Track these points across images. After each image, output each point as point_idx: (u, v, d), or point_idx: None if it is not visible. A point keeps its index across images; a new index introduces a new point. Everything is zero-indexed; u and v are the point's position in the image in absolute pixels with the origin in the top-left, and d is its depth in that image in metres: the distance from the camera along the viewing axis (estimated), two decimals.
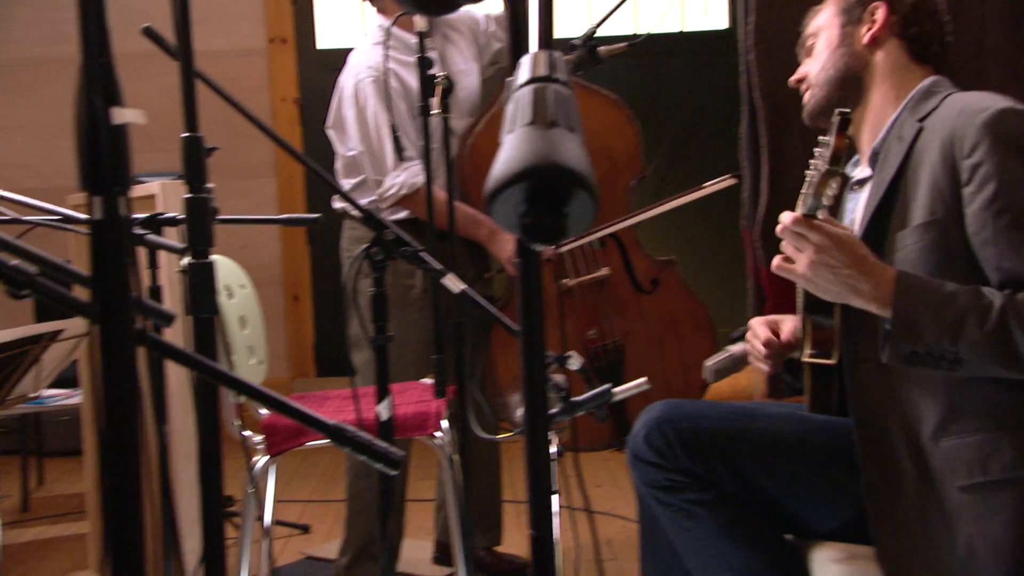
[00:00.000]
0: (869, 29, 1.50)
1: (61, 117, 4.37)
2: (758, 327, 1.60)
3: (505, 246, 2.42)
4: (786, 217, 1.30)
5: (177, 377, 1.92)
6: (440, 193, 2.36)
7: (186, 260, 1.90)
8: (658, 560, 1.56)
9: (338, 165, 2.53)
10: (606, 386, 1.40)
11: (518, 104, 0.66)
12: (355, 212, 2.48)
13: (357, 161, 2.41)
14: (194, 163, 1.37)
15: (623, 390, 1.43)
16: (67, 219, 1.77)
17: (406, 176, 2.35)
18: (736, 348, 1.76)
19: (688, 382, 2.55)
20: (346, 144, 2.43)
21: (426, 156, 1.83)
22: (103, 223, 0.81)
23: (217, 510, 1.27)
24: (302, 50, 4.53)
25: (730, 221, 2.86)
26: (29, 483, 3.32)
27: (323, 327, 4.56)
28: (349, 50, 2.51)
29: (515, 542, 2.70)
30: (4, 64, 4.34)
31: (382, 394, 1.54)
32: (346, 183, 2.53)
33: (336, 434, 0.97)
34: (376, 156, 2.37)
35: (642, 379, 1.47)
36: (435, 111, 1.82)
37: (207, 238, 1.37)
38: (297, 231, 4.53)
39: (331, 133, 2.49)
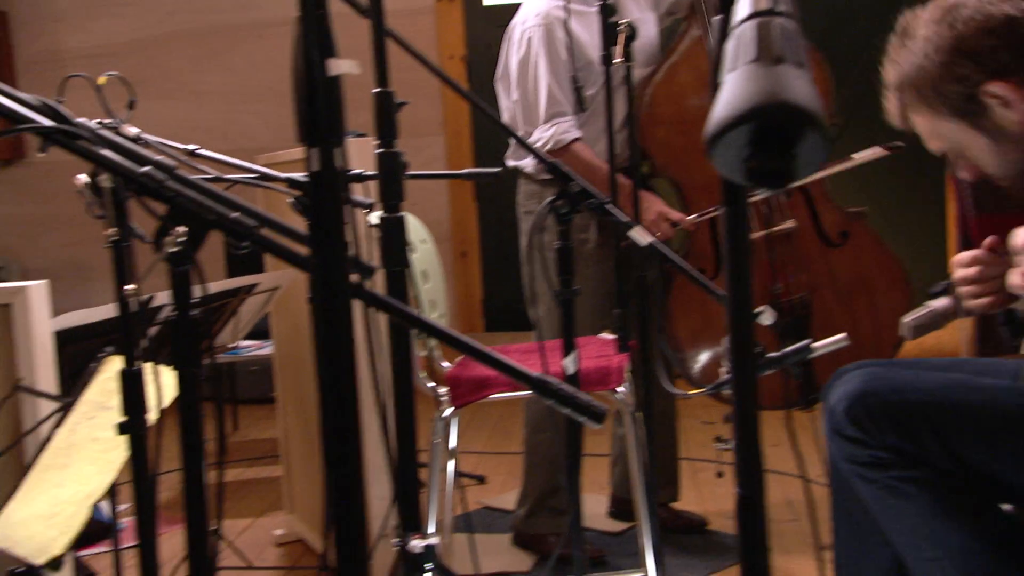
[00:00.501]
0: (1006, 107, 1.26)
1: (246, 82, 4.59)
2: (964, 256, 1.48)
3: (645, 213, 2.36)
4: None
5: (362, 329, 1.99)
6: (585, 151, 2.32)
7: (376, 215, 1.96)
8: (854, 530, 1.49)
9: (505, 119, 2.54)
10: (805, 342, 1.34)
11: (740, 41, 0.63)
12: (528, 168, 2.48)
13: (513, 111, 2.40)
14: (386, 118, 1.39)
15: (822, 345, 1.37)
16: (264, 177, 1.85)
17: (554, 131, 2.32)
18: (938, 303, 1.64)
19: (880, 341, 2.42)
20: (510, 95, 2.44)
21: (608, 107, 1.79)
22: (320, 174, 0.84)
23: (411, 457, 1.31)
24: (469, 7, 4.56)
25: (928, 167, 2.67)
26: (225, 428, 3.58)
27: (491, 283, 4.64)
28: (516, 6, 2.49)
29: (690, 499, 2.67)
30: (192, 32, 4.60)
31: (568, 348, 1.54)
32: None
33: (540, 386, 0.98)
34: (529, 106, 2.35)
35: (841, 335, 1.40)
36: (618, 59, 1.78)
37: (398, 193, 1.40)
38: (465, 189, 4.61)
39: (498, 86, 2.49)
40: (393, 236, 1.36)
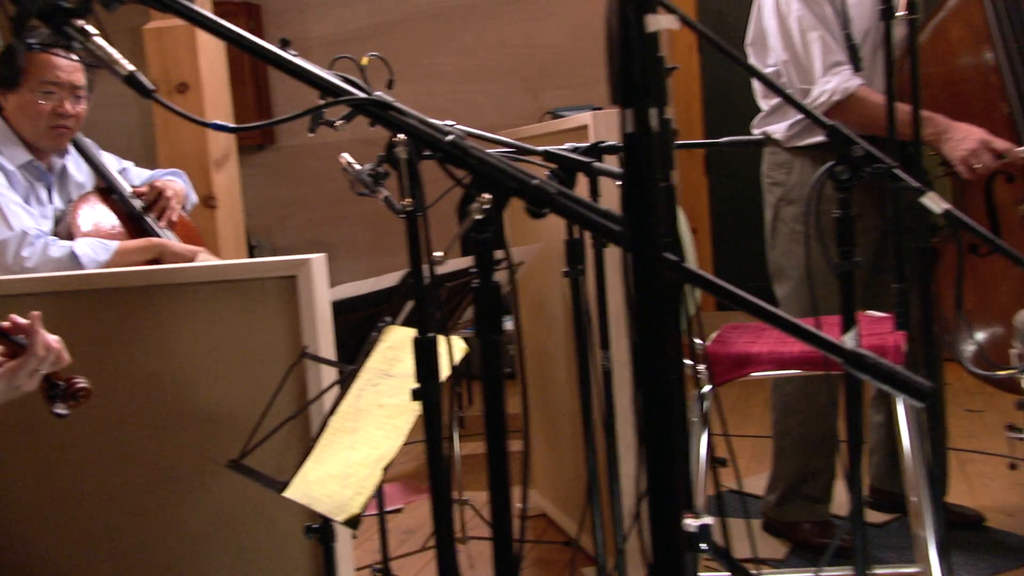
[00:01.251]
0: None
1: (475, 62, 4.71)
2: None
3: (960, 144, 2.15)
4: None
5: (615, 303, 1.98)
6: (874, 94, 2.17)
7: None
8: None
9: (755, 85, 2.44)
10: None
11: None
12: (778, 135, 2.37)
13: (780, 73, 2.29)
14: (659, 85, 1.35)
15: None
16: (522, 151, 1.86)
17: (837, 81, 2.19)
18: None
19: None
20: (766, 59, 2.33)
21: (888, 62, 1.67)
22: (635, 136, 0.82)
23: (683, 432, 1.28)
24: None
25: None
26: (463, 402, 3.71)
27: (722, 260, 4.52)
28: None
29: (960, 493, 2.48)
30: (426, 14, 4.77)
31: (847, 324, 1.45)
32: (764, 104, 2.43)
33: (855, 360, 0.91)
34: (801, 62, 2.24)
35: None
36: (901, 12, 1.65)
37: (670, 162, 1.36)
38: (695, 162, 4.50)
39: (750, 51, 2.40)
40: (665, 208, 1.32)
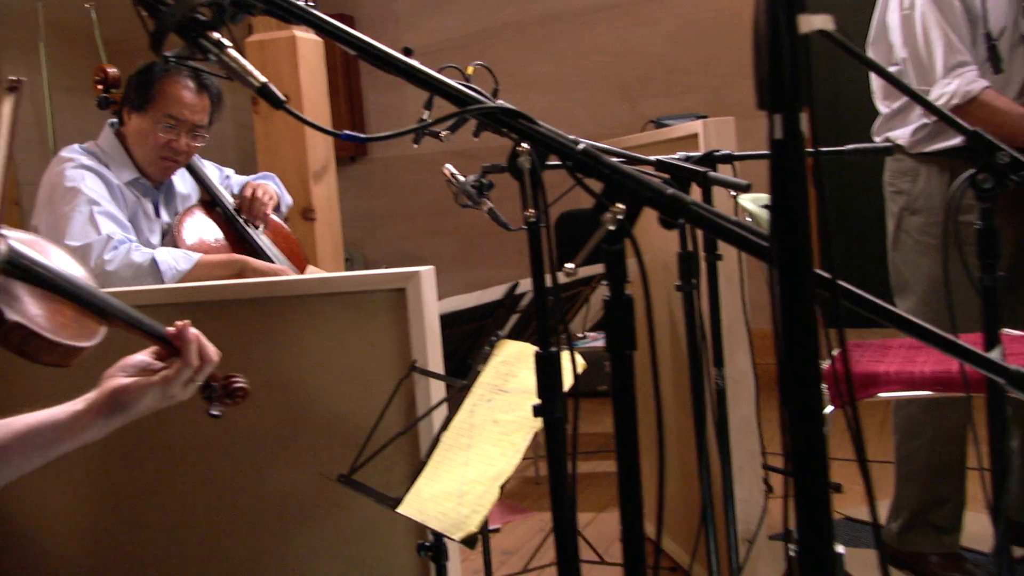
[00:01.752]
0: None
1: (570, 70, 4.72)
2: None
3: None
4: None
5: (729, 319, 1.95)
6: (1000, 97, 2.09)
7: (749, 198, 1.90)
8: None
9: (875, 86, 2.37)
10: None
11: None
12: (901, 141, 2.30)
13: (902, 73, 2.23)
14: (774, 87, 1.32)
15: None
16: (632, 161, 1.86)
17: (959, 84, 2.11)
18: None
19: None
20: (888, 58, 2.27)
21: None
22: (783, 143, 0.80)
23: (822, 458, 1.24)
24: None
25: None
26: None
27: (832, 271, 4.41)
28: None
29: None
30: (520, 23, 4.80)
31: (991, 343, 1.40)
32: (883, 107, 2.36)
33: (1018, 380, 0.88)
34: (922, 62, 2.16)
35: None
36: None
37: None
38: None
39: (871, 50, 2.34)
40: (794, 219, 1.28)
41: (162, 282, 2.16)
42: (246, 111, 5.50)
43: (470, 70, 2.08)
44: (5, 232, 1.16)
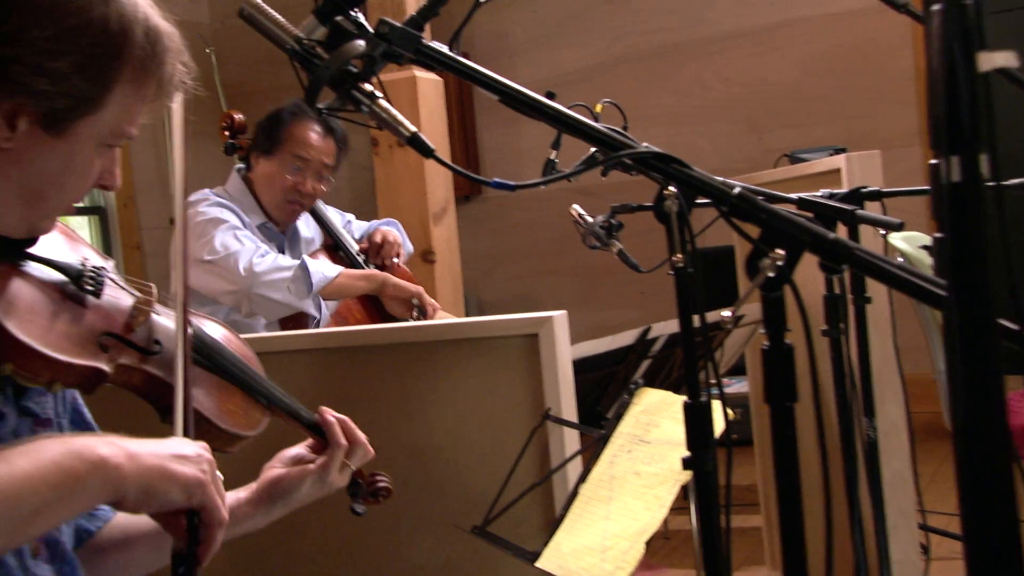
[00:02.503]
0: None
1: (693, 102, 4.72)
2: None
3: None
4: None
5: (880, 366, 1.90)
6: None
7: (899, 236, 1.86)
8: None
9: None
10: None
11: None
12: None
13: None
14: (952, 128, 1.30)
15: None
16: (772, 198, 1.85)
17: None
18: None
19: None
20: None
21: None
22: (961, 186, 0.79)
23: (1011, 531, 1.20)
24: None
25: None
26: None
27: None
28: None
29: None
30: (639, 54, 4.83)
31: None
32: None
33: None
34: None
35: None
36: None
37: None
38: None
39: None
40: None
41: (309, 288, 2.25)
42: (360, 153, 5.68)
43: (599, 108, 2.12)
44: (193, 319, 1.25)
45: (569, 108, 2.00)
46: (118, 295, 1.19)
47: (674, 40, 4.75)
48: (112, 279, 1.19)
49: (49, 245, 1.14)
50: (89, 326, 1.12)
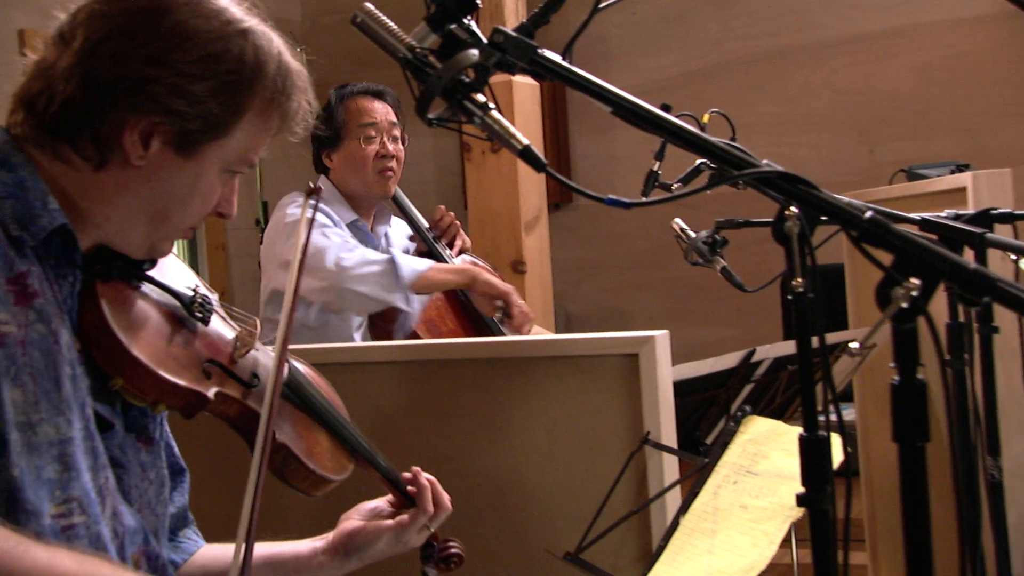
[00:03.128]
0: None
1: (799, 111, 4.64)
2: None
3: None
4: None
5: (1006, 400, 1.84)
6: None
7: None
8: None
9: None
10: None
11: None
12: None
13: None
14: None
15: None
16: (892, 219, 1.80)
17: None
18: None
19: None
20: None
21: None
22: None
23: None
24: None
25: None
26: None
27: None
28: None
29: None
30: (742, 60, 4.77)
31: None
32: None
33: None
34: None
35: None
36: None
37: None
38: None
39: None
40: None
41: (399, 283, 2.28)
42: (449, 156, 5.72)
43: (706, 117, 2.10)
44: (291, 359, 1.30)
45: (675, 117, 1.98)
46: (222, 326, 1.26)
47: (779, 45, 4.68)
48: (217, 311, 1.26)
49: (164, 270, 1.22)
50: (196, 352, 1.19)
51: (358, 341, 2.46)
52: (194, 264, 5.06)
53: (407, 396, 1.79)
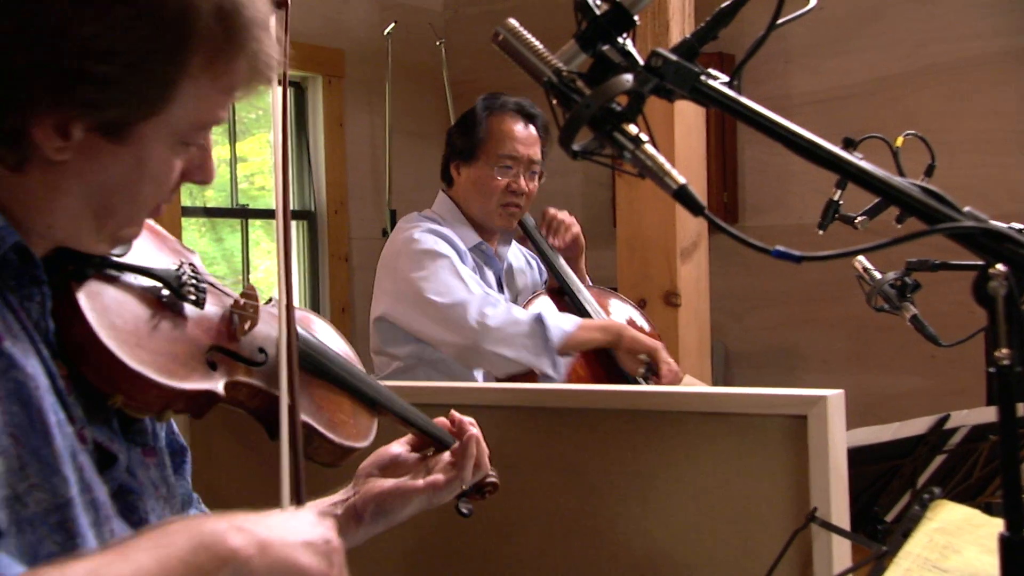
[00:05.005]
0: None
1: (1012, 127, 4.45)
2: None
3: None
4: None
5: None
6: None
7: None
8: None
9: None
10: None
11: None
12: None
13: None
14: None
15: None
16: None
17: None
18: None
19: None
20: None
21: None
22: None
23: None
24: None
25: None
26: None
27: None
28: None
29: None
30: (947, 65, 4.60)
31: None
32: None
33: None
34: None
35: None
36: None
37: None
38: None
39: None
40: None
41: (547, 346, 2.30)
42: (599, 168, 5.70)
43: (899, 141, 2.04)
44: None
45: (862, 141, 1.92)
46: (216, 298, 1.19)
47: (998, 48, 4.49)
48: (208, 281, 1.19)
49: (138, 247, 1.15)
50: (195, 341, 1.13)
51: (479, 380, 2.49)
52: (314, 275, 5.20)
53: (535, 447, 1.79)
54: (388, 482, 1.38)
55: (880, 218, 2.08)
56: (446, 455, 1.44)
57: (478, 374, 2.49)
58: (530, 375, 2.39)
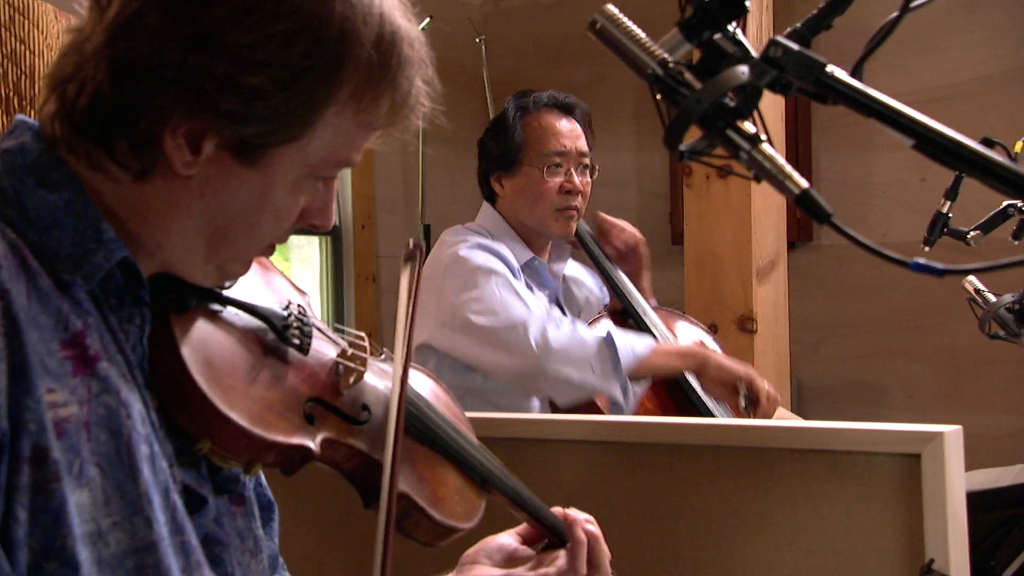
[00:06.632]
0: None
1: None
2: None
3: None
4: None
5: None
6: None
7: None
8: None
9: None
10: None
11: None
12: None
13: None
14: None
15: None
16: None
17: None
18: None
19: None
20: None
21: None
22: None
23: None
24: None
25: None
26: None
27: None
28: None
29: None
30: None
31: None
32: None
33: None
34: None
35: None
36: None
37: None
38: None
39: None
40: None
41: (617, 369, 2.28)
42: (654, 176, 5.70)
43: (1018, 147, 2.03)
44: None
45: (978, 144, 1.92)
46: (321, 345, 1.20)
47: None
48: (316, 326, 1.21)
49: (245, 283, 1.16)
50: (294, 391, 1.14)
51: (536, 411, 2.47)
52: (338, 297, 5.21)
53: (609, 486, 1.79)
54: (496, 572, 1.37)
55: (993, 234, 2.07)
56: (562, 553, 1.41)
57: (534, 403, 2.47)
58: (592, 406, 2.37)
